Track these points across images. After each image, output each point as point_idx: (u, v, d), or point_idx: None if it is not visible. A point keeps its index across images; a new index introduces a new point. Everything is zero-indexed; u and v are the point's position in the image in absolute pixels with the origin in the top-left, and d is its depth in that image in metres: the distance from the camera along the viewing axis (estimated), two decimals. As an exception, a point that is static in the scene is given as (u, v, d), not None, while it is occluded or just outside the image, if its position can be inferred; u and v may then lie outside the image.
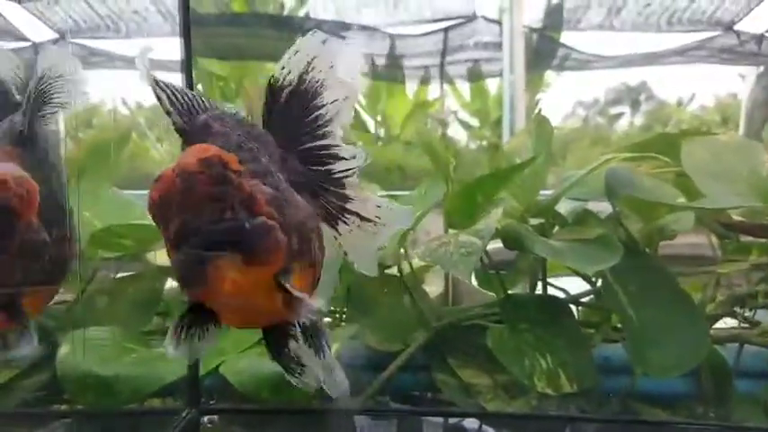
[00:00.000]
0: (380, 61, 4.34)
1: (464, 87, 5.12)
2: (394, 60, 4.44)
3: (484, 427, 0.67)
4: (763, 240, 0.78)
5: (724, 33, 3.45)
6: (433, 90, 5.25)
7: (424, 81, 5.00)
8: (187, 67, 0.59)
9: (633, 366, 0.67)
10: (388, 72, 4.45)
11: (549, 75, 5.03)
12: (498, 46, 3.62)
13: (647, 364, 0.64)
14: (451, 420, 0.67)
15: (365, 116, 5.29)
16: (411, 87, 5.16)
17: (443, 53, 4.31)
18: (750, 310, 0.76)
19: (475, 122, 5.30)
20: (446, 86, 5.13)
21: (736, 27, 3.50)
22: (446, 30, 4.17)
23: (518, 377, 0.65)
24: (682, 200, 0.74)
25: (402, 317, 0.74)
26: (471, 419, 0.68)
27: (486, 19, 3.87)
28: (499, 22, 3.65)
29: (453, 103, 5.47)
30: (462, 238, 0.62)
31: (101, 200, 0.70)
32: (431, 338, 0.72)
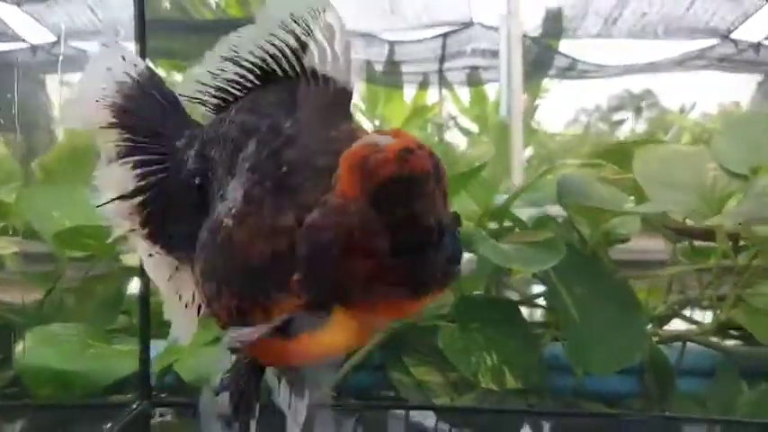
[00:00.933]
0: (379, 67, 4.38)
1: (464, 93, 5.15)
2: (392, 66, 4.49)
3: (439, 423, 0.70)
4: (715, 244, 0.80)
5: (721, 42, 3.47)
6: (432, 96, 5.28)
7: (423, 86, 5.04)
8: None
9: (572, 365, 0.69)
10: (387, 78, 4.50)
11: (549, 82, 5.06)
12: (496, 53, 3.66)
13: (585, 363, 0.67)
14: (400, 413, 0.70)
15: (363, 120, 5.34)
16: (410, 93, 5.20)
17: (442, 59, 4.36)
18: (699, 310, 0.79)
19: (474, 128, 5.33)
20: (445, 92, 5.17)
21: (732, 36, 3.51)
22: (444, 36, 4.22)
23: (464, 374, 0.68)
24: (630, 205, 0.77)
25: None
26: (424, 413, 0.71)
27: (482, 26, 3.90)
28: (496, 29, 3.68)
29: (453, 109, 5.50)
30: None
31: (75, 201, 0.74)
32: (388, 338, 0.75)
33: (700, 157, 0.79)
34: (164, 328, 0.40)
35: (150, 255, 0.36)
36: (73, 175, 0.76)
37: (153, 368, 0.63)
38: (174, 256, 0.35)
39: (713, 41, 3.51)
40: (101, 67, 0.36)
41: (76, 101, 0.37)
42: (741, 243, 0.77)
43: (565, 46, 4.21)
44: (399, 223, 0.26)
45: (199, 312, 0.36)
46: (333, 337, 0.28)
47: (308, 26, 0.32)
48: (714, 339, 0.74)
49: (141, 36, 0.62)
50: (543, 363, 0.71)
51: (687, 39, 3.59)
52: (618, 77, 3.97)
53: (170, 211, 0.34)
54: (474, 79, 4.71)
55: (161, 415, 0.59)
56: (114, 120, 0.36)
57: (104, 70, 0.36)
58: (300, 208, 0.28)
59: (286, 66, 0.32)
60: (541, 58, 4.22)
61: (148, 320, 0.61)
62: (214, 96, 0.35)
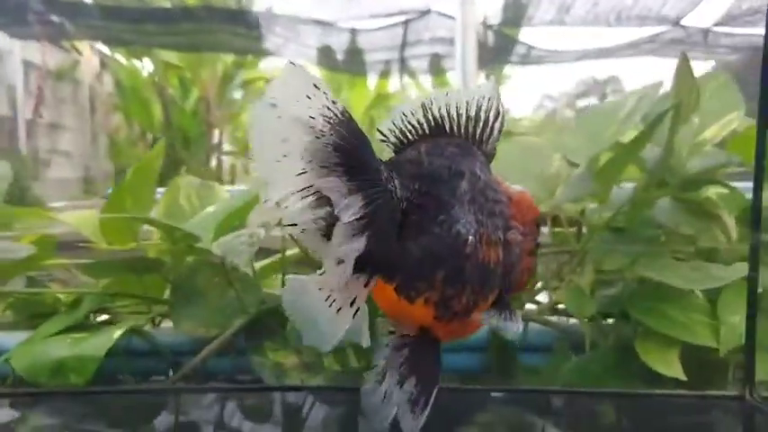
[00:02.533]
0: (341, 55, 4.35)
1: (426, 81, 5.16)
2: (354, 54, 4.47)
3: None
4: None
5: (672, 28, 3.53)
6: (395, 84, 5.28)
7: (385, 74, 5.04)
8: None
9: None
10: (349, 65, 4.48)
11: (510, 69, 5.08)
12: (453, 41, 3.67)
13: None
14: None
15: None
16: (372, 81, 5.18)
17: (402, 47, 4.35)
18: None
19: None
20: (408, 79, 5.17)
21: (682, 22, 3.57)
22: (405, 24, 4.21)
23: (306, 355, 0.72)
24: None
25: (223, 304, 0.80)
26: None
27: (439, 14, 3.91)
28: (452, 17, 3.69)
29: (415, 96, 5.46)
30: (253, 229, 0.69)
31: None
32: (249, 323, 0.78)
33: (549, 148, 0.84)
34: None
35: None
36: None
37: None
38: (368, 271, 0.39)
39: (664, 28, 3.57)
40: (297, 95, 0.37)
41: (281, 141, 0.37)
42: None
43: (521, 33, 4.23)
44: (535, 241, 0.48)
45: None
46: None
47: (491, 107, 0.44)
48: (554, 318, 0.79)
49: None
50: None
51: (638, 26, 3.64)
52: (570, 63, 4.01)
53: (381, 233, 0.39)
54: (436, 67, 4.72)
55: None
56: (336, 159, 0.37)
57: (304, 99, 0.37)
58: (499, 229, 0.44)
59: (462, 129, 0.44)
60: (498, 45, 4.25)
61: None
62: (396, 135, 0.45)
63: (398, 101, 5.07)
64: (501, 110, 0.44)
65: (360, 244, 0.37)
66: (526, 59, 4.15)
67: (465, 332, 0.45)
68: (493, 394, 0.69)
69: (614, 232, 0.75)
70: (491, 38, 3.97)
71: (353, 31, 4.05)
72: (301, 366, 0.77)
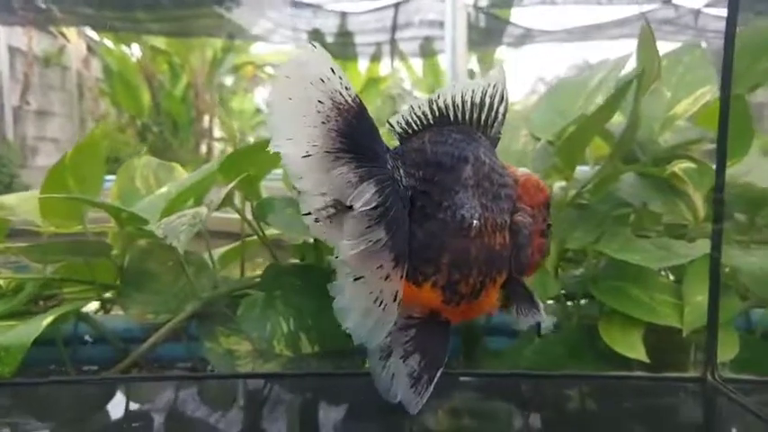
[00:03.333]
0: (331, 38, 4.29)
1: (417, 64, 5.09)
2: (344, 37, 4.40)
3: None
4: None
5: (662, 6, 3.47)
6: (386, 67, 5.20)
7: (375, 57, 4.96)
8: None
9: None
10: (339, 49, 4.41)
11: (504, 51, 5.02)
12: (442, 24, 3.62)
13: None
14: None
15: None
16: (363, 64, 5.11)
17: (393, 30, 4.28)
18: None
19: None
20: (399, 63, 5.10)
21: (673, 1, 3.50)
22: (396, 6, 4.13)
23: (257, 342, 0.69)
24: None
25: (176, 289, 0.77)
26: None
27: (429, -4, 3.82)
28: (442, 0, 3.63)
29: (406, 80, 5.42)
30: (196, 210, 0.66)
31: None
32: (200, 309, 0.75)
33: (517, 124, 0.80)
34: None
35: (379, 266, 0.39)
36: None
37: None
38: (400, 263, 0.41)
39: (654, 6, 3.51)
40: (312, 77, 0.38)
41: (291, 121, 0.38)
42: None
43: (511, 14, 4.15)
44: (546, 222, 0.47)
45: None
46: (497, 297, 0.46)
47: (496, 93, 0.45)
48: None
49: None
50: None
51: (628, 3, 3.57)
52: (559, 42, 3.95)
53: (395, 220, 0.40)
54: (427, 50, 4.65)
55: None
56: (341, 145, 0.38)
57: (318, 82, 0.38)
58: (505, 212, 0.45)
59: (467, 116, 0.45)
60: (489, 26, 4.17)
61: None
62: (402, 126, 0.45)
63: (389, 85, 5.01)
64: (505, 95, 0.45)
65: (379, 233, 0.38)
66: (517, 40, 4.09)
67: (475, 313, 0.46)
68: (461, 378, 0.67)
69: (579, 210, 0.72)
70: (482, 20, 3.91)
71: (343, 14, 3.99)
72: (254, 353, 0.74)
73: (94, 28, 4.94)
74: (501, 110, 0.45)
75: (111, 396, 0.62)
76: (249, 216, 0.79)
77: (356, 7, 4.14)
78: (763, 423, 0.50)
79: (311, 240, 0.79)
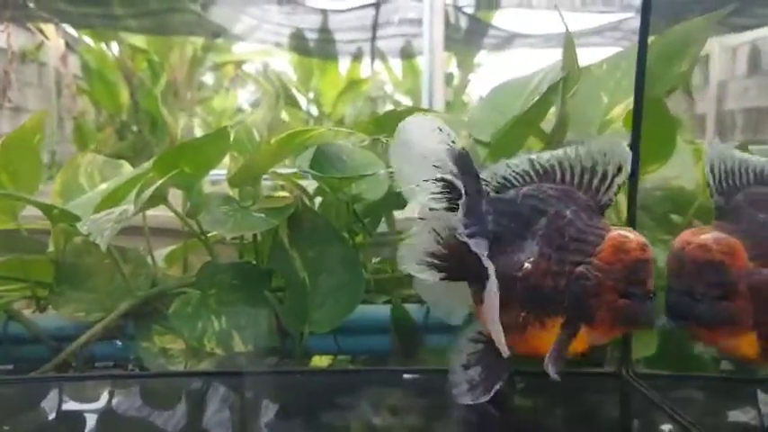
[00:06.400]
0: (311, 35, 4.26)
1: (397, 65, 5.08)
2: (324, 37, 4.38)
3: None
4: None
5: (636, 15, 3.51)
6: (366, 67, 5.18)
7: (357, 58, 4.95)
8: None
9: (290, 327, 0.71)
10: (320, 48, 4.38)
11: (483, 56, 5.03)
12: (420, 23, 3.62)
13: (309, 324, 0.69)
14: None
15: (297, 94, 5.19)
16: (343, 64, 5.08)
17: (373, 29, 4.27)
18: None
19: (408, 101, 5.27)
20: (379, 64, 5.08)
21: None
22: (376, 5, 4.13)
23: (187, 340, 0.69)
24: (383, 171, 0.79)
25: (112, 287, 0.77)
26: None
27: (408, -5, 3.83)
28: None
29: (387, 83, 5.41)
30: (124, 207, 0.66)
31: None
32: (135, 307, 0.75)
33: (458, 125, 0.81)
34: None
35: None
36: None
37: None
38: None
39: (628, 15, 3.56)
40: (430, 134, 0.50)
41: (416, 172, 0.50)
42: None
43: (487, 16, 4.18)
44: (631, 285, 0.46)
45: None
46: (575, 343, 0.48)
47: (609, 160, 0.48)
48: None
49: None
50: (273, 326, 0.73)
51: (604, 12, 3.62)
52: (537, 47, 3.98)
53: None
54: (407, 52, 4.65)
55: None
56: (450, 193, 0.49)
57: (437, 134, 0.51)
58: (572, 264, 0.47)
59: (576, 178, 0.49)
60: (467, 28, 4.19)
61: None
62: (498, 181, 0.52)
63: (369, 87, 4.99)
64: (623, 165, 0.48)
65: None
66: (494, 43, 4.11)
67: (530, 348, 0.49)
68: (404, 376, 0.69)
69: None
70: (460, 20, 3.92)
71: (324, 12, 3.98)
72: (188, 352, 0.74)
73: (72, 24, 4.87)
74: (617, 180, 0.48)
75: (39, 397, 0.62)
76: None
77: (336, 5, 4.12)
78: (669, 416, 0.51)
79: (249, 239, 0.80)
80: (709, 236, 0.47)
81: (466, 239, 0.46)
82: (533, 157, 0.51)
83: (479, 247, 0.46)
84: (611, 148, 0.48)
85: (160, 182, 0.66)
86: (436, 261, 0.50)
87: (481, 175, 0.51)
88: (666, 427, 0.52)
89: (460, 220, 0.46)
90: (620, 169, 0.48)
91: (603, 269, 0.46)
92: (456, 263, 0.50)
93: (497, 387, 0.51)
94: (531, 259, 0.47)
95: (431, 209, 0.49)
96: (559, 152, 0.50)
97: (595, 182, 0.48)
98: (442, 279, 0.50)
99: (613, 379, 0.58)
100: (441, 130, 0.50)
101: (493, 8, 4.15)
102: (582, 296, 0.46)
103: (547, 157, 0.50)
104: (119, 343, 0.77)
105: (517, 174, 0.51)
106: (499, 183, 0.51)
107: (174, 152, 0.73)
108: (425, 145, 0.49)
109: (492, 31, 3.95)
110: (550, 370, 0.46)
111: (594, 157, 0.48)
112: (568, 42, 0.67)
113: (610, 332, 0.48)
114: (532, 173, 0.50)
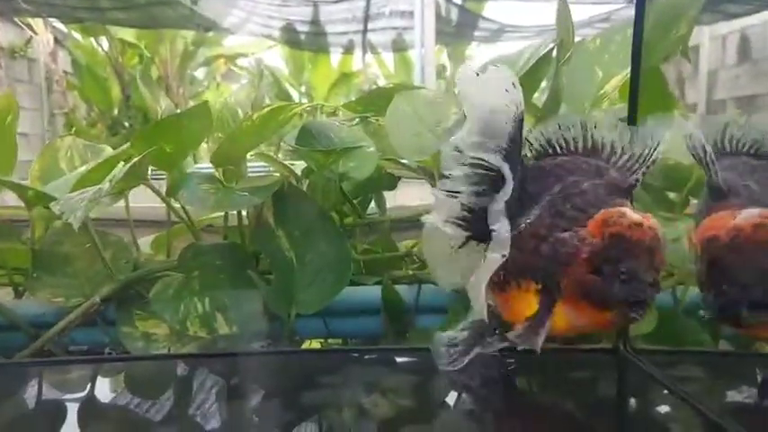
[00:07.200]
0: (302, 27, 4.21)
1: (388, 56, 5.04)
2: (316, 26, 4.33)
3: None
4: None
5: (627, 5, 3.51)
6: (358, 59, 5.15)
7: (348, 50, 4.91)
8: None
9: (278, 309, 0.69)
10: (311, 41, 4.34)
11: (475, 48, 5.01)
12: (413, 14, 3.58)
13: (296, 305, 0.67)
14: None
15: (289, 87, 5.15)
16: (335, 57, 5.04)
17: (364, 21, 4.23)
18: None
19: (401, 93, 5.20)
20: (371, 56, 5.04)
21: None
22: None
23: (169, 323, 0.67)
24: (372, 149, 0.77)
25: (91, 272, 0.74)
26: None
27: (400, -13, 3.80)
28: (411, -8, 3.59)
29: (379, 74, 5.37)
30: (98, 186, 0.63)
31: None
32: (116, 292, 0.72)
33: (444, 102, 0.79)
34: None
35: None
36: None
37: None
38: None
39: (619, 6, 3.54)
40: (501, 87, 0.44)
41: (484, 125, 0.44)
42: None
43: (476, 7, 4.15)
44: (605, 262, 0.42)
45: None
46: (555, 319, 0.45)
47: (651, 150, 0.47)
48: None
49: None
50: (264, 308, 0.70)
51: (594, 2, 3.60)
52: (530, 39, 3.96)
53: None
54: (398, 44, 4.62)
55: None
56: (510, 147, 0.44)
57: (504, 93, 0.44)
58: (563, 230, 0.44)
59: (614, 156, 0.48)
60: (459, 20, 4.16)
61: None
62: (541, 145, 0.50)
63: (361, 80, 4.95)
64: (657, 157, 0.47)
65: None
66: (485, 35, 4.09)
67: (512, 311, 0.48)
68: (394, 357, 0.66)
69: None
70: (451, 12, 3.89)
71: (315, 4, 3.94)
72: (171, 336, 0.71)
73: (60, 18, 4.80)
74: (647, 165, 0.47)
75: (19, 383, 0.59)
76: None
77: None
78: (668, 391, 0.49)
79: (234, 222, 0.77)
80: (755, 211, 0.43)
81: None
82: (590, 125, 0.49)
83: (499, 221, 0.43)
84: (656, 138, 0.47)
85: (137, 158, 0.64)
86: (462, 221, 0.46)
87: (529, 138, 0.49)
88: (665, 401, 0.50)
89: (498, 198, 0.43)
90: (654, 161, 0.47)
91: (585, 240, 0.43)
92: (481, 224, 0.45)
93: (478, 350, 0.49)
94: (529, 221, 0.45)
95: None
96: (609, 127, 0.48)
97: (629, 163, 0.47)
98: (467, 238, 0.47)
99: (611, 355, 0.56)
100: (515, 86, 0.45)
101: None
102: (552, 261, 0.44)
103: (598, 129, 0.48)
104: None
105: (566, 140, 0.49)
106: (542, 146, 0.49)
107: (153, 129, 0.71)
108: (498, 101, 0.44)
109: (483, 23, 3.93)
110: (524, 339, 0.44)
111: (636, 141, 0.47)
112: (563, 7, 0.65)
113: (583, 311, 0.44)
114: (581, 142, 0.48)
